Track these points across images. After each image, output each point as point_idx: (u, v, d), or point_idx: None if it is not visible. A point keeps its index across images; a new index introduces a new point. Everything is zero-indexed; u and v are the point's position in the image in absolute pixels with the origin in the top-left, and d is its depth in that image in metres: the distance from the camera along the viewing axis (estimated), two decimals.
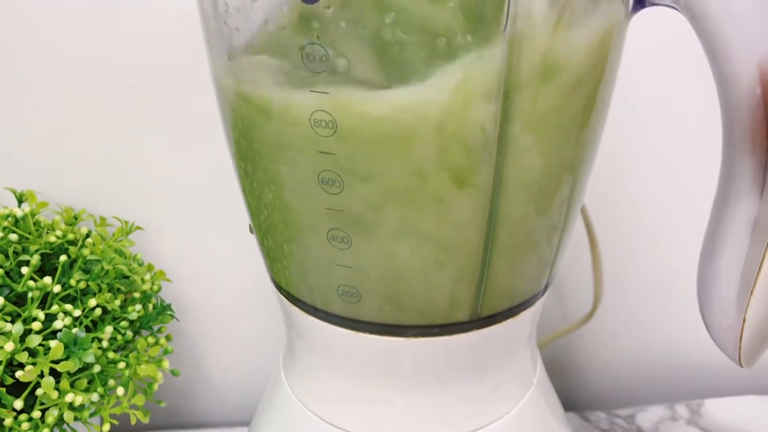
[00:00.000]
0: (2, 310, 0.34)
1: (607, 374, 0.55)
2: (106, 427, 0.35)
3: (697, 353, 0.53)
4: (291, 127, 0.23)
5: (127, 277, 0.39)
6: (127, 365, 0.37)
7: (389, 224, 0.24)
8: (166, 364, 0.39)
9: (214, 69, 0.26)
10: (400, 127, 0.22)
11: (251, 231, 0.30)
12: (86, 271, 0.38)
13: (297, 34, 0.21)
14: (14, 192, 0.41)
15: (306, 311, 0.29)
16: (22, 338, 0.33)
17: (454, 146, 0.22)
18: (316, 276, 0.27)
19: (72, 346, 0.34)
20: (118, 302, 0.38)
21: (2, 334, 0.32)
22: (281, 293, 0.30)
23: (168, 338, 0.41)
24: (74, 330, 0.34)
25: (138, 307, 0.39)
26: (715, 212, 0.25)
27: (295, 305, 0.29)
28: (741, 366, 0.26)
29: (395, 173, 0.23)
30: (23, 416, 0.33)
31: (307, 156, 0.23)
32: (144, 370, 0.37)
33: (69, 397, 0.33)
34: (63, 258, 0.37)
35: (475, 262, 0.26)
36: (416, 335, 0.28)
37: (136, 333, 0.40)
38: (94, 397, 0.34)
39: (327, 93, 0.22)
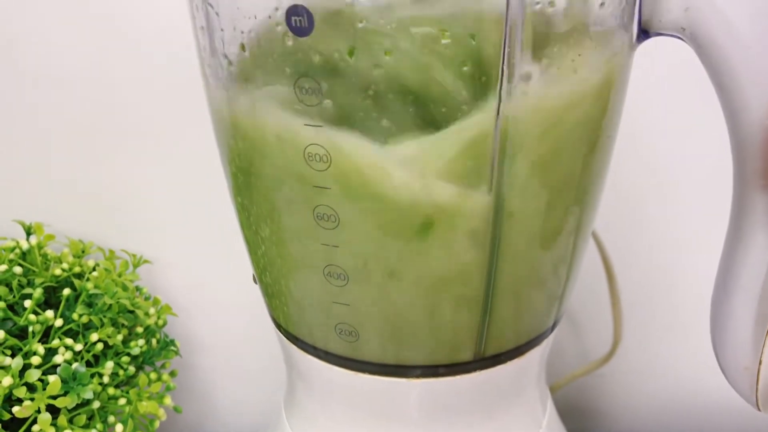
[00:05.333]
0: (3, 344, 0.33)
1: (629, 416, 0.53)
2: None
3: (725, 394, 0.51)
4: (286, 160, 0.23)
5: (131, 312, 0.39)
6: (128, 401, 0.36)
7: (386, 261, 0.23)
8: (168, 400, 0.38)
9: (210, 102, 0.26)
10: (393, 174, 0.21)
11: (255, 281, 0.30)
12: (90, 305, 0.37)
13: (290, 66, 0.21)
14: (23, 224, 0.41)
15: (305, 350, 0.28)
16: (22, 373, 0.32)
17: (450, 179, 0.22)
18: (313, 314, 0.27)
19: (71, 382, 0.33)
20: (120, 337, 0.37)
21: (1, 368, 0.32)
22: (280, 331, 0.29)
23: (173, 374, 0.41)
24: (74, 365, 0.34)
25: (141, 342, 0.38)
26: (727, 248, 0.24)
27: (294, 344, 0.29)
28: (759, 410, 0.25)
29: (389, 209, 0.22)
30: None
31: (302, 190, 0.23)
32: (145, 406, 0.36)
33: None
34: (66, 291, 0.36)
35: (477, 298, 0.25)
36: (417, 376, 0.27)
37: (139, 368, 0.39)
38: None
39: (321, 126, 0.21)
